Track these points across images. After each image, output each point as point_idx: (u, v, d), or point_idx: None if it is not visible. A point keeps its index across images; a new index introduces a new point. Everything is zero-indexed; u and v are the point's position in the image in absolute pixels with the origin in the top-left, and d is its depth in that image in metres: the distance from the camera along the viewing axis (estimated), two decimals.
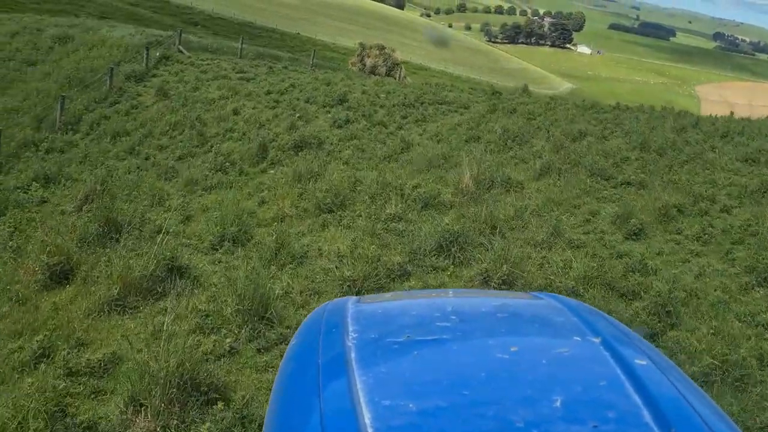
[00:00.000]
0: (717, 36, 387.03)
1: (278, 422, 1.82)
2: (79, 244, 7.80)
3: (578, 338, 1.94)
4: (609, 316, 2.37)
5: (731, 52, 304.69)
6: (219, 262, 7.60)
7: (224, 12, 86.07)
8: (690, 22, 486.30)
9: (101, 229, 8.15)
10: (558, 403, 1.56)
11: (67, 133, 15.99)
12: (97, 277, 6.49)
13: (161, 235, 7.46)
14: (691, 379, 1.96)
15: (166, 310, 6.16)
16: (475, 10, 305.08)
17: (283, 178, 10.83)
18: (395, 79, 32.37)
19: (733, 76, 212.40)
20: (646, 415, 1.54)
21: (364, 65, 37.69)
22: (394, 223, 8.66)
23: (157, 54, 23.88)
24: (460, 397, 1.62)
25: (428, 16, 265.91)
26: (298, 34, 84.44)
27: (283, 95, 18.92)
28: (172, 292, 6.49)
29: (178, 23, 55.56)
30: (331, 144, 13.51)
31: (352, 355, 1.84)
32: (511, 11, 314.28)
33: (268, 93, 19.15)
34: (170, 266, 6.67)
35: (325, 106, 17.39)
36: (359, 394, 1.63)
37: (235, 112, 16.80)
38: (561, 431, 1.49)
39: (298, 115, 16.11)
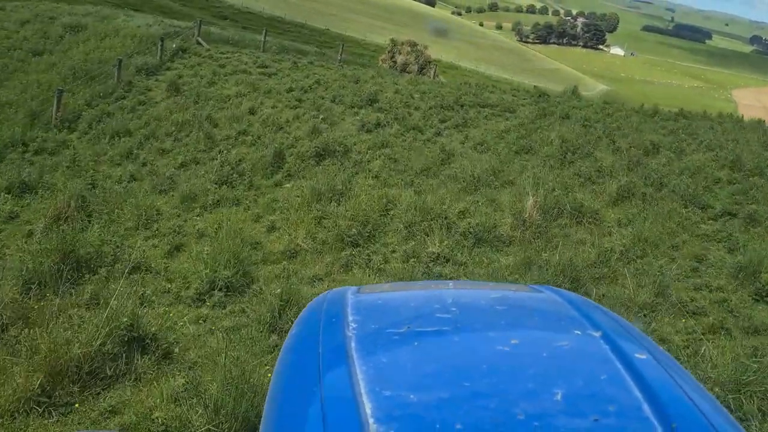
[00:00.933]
0: (754, 39, 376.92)
1: (278, 410, 1.73)
2: (23, 290, 5.91)
3: (578, 332, 1.87)
4: (608, 309, 2.21)
5: None
6: (204, 321, 5.63)
7: (254, 6, 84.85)
8: (727, 25, 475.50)
9: (56, 267, 6.25)
10: (559, 397, 1.51)
11: (62, 132, 14.16)
12: (18, 359, 4.52)
13: (122, 282, 5.53)
14: (689, 373, 1.87)
15: (110, 410, 4.22)
16: (507, 9, 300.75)
17: (299, 197, 8.84)
18: (428, 77, 30.26)
19: None
20: (647, 409, 1.48)
21: (395, 62, 35.60)
22: (438, 267, 6.62)
23: (173, 45, 22.04)
24: (461, 389, 1.57)
25: (459, 14, 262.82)
26: (328, 29, 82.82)
27: (306, 93, 16.94)
28: (125, 377, 4.55)
29: (207, 16, 54.20)
30: (359, 152, 11.51)
31: (353, 345, 1.76)
32: (544, 11, 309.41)
33: (290, 90, 17.18)
34: (128, 338, 4.71)
35: (353, 107, 15.39)
36: (360, 384, 1.56)
37: (252, 112, 14.87)
38: (562, 424, 1.43)
39: (321, 116, 14.13)
